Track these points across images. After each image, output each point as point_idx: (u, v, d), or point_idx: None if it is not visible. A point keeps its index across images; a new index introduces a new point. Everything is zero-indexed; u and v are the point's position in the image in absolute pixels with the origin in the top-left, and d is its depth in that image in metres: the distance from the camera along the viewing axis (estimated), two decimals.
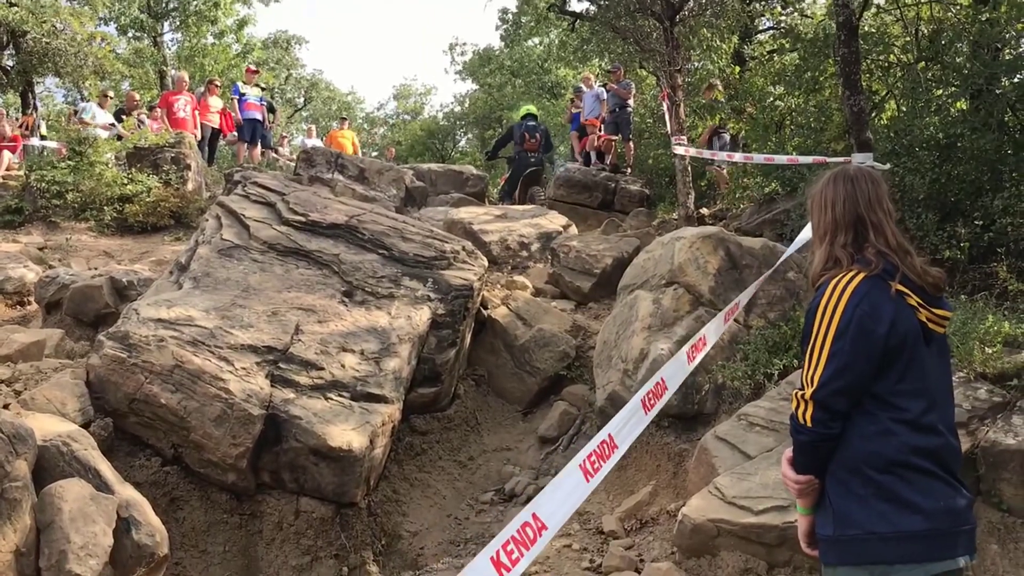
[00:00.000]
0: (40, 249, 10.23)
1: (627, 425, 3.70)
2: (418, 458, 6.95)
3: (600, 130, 15.63)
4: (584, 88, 16.92)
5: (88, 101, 14.67)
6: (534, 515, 3.02)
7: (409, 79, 72.75)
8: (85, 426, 5.48)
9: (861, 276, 2.50)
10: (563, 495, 3.24)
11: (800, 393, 2.52)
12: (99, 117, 14.32)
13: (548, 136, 15.13)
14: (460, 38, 36.41)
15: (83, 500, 4.46)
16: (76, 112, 15.19)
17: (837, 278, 2.53)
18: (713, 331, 4.79)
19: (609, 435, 3.52)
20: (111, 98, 15.93)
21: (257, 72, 17.77)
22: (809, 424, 2.48)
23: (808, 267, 2.80)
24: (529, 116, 14.73)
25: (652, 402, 3.91)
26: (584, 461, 3.35)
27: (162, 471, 5.75)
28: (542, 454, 7.21)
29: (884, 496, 2.42)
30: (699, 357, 4.48)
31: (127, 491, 4.88)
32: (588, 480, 3.34)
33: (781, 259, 6.44)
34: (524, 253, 10.82)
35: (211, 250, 7.39)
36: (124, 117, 14.90)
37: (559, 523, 3.11)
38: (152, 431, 5.79)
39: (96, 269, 9.16)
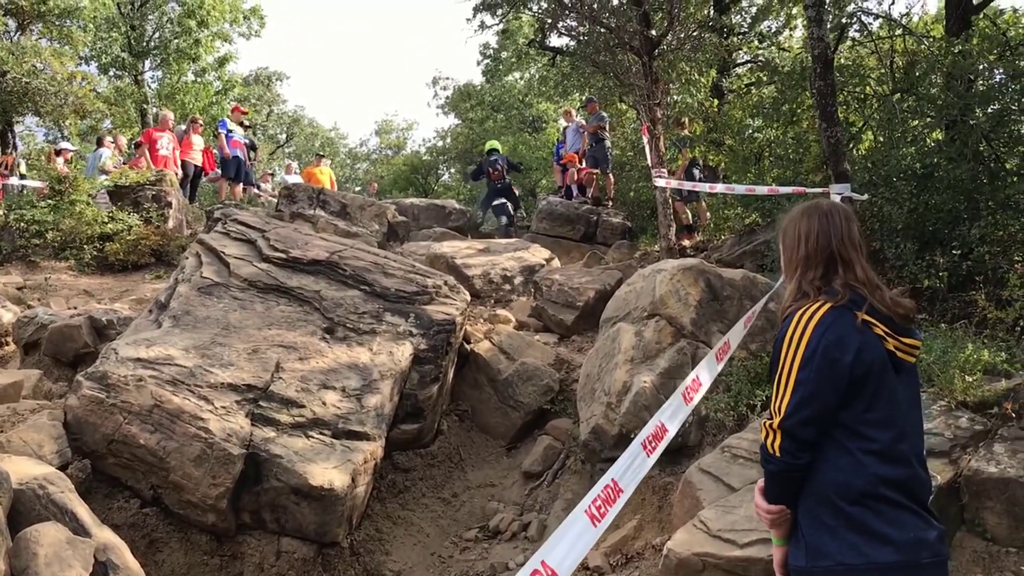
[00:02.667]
0: (19, 289, 10.14)
1: (630, 469, 3.66)
2: (401, 496, 6.88)
3: (581, 163, 15.77)
4: (564, 122, 17.08)
5: (101, 147, 14.61)
6: (543, 563, 2.99)
7: (391, 114, 73.34)
8: (62, 468, 5.40)
9: (827, 306, 2.52)
10: (570, 541, 3.20)
11: (768, 422, 2.53)
12: (108, 160, 14.26)
13: (508, 161, 16.58)
14: (443, 72, 36.54)
15: (59, 544, 4.37)
16: (82, 156, 15.11)
17: (803, 309, 2.56)
18: (707, 372, 4.75)
19: (613, 480, 3.49)
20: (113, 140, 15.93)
21: (245, 112, 17.83)
22: (777, 454, 2.49)
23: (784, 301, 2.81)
24: (491, 151, 16.31)
25: (653, 445, 3.88)
26: (590, 506, 3.32)
27: (141, 513, 5.66)
28: (526, 490, 7.15)
29: (855, 528, 2.42)
30: (697, 397, 4.46)
31: (105, 534, 4.80)
32: (595, 525, 3.30)
33: (765, 298, 6.45)
34: (507, 286, 10.83)
35: (191, 288, 7.34)
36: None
37: (569, 570, 3.07)
38: (131, 472, 5.71)
39: (75, 308, 9.08)
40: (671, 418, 4.13)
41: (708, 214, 13.02)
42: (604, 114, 15.55)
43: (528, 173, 22.39)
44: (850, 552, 2.40)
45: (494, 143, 17.12)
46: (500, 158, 16.14)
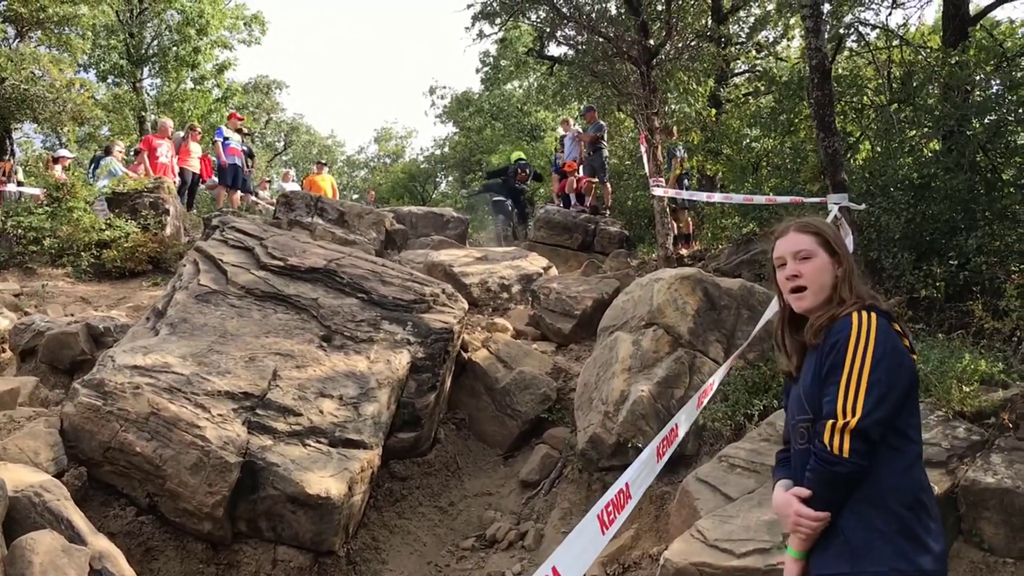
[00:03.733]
0: (16, 296, 10.12)
1: (642, 474, 3.66)
2: (398, 504, 6.87)
3: (579, 172, 15.79)
4: (562, 131, 17.11)
5: (108, 156, 14.55)
6: (554, 569, 2.97)
7: (390, 122, 73.35)
8: (58, 476, 5.40)
9: (875, 313, 2.58)
10: (581, 547, 3.18)
11: (838, 424, 2.47)
12: (117, 168, 14.23)
13: (533, 171, 18.17)
14: (440, 81, 36.59)
15: (55, 552, 4.36)
16: (94, 165, 15.03)
17: (856, 313, 2.58)
18: (685, 419, 4.67)
19: (627, 484, 3.48)
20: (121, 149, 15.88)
21: (242, 119, 17.85)
22: (847, 455, 2.44)
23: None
24: (520, 160, 17.89)
25: (664, 449, 3.88)
26: (602, 512, 3.30)
27: (137, 521, 5.65)
28: (523, 498, 7.14)
29: (905, 533, 2.42)
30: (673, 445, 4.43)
31: (101, 542, 4.79)
32: (604, 532, 3.28)
33: (728, 363, 6.46)
34: (504, 295, 10.83)
35: (188, 296, 7.34)
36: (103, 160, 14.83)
37: None
38: (127, 480, 5.70)
39: (72, 315, 9.07)
40: (684, 423, 4.13)
41: (692, 226, 13.12)
42: (603, 123, 15.57)
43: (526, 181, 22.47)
44: (902, 558, 2.41)
45: (521, 152, 18.91)
46: (528, 165, 17.72)
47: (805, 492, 2.57)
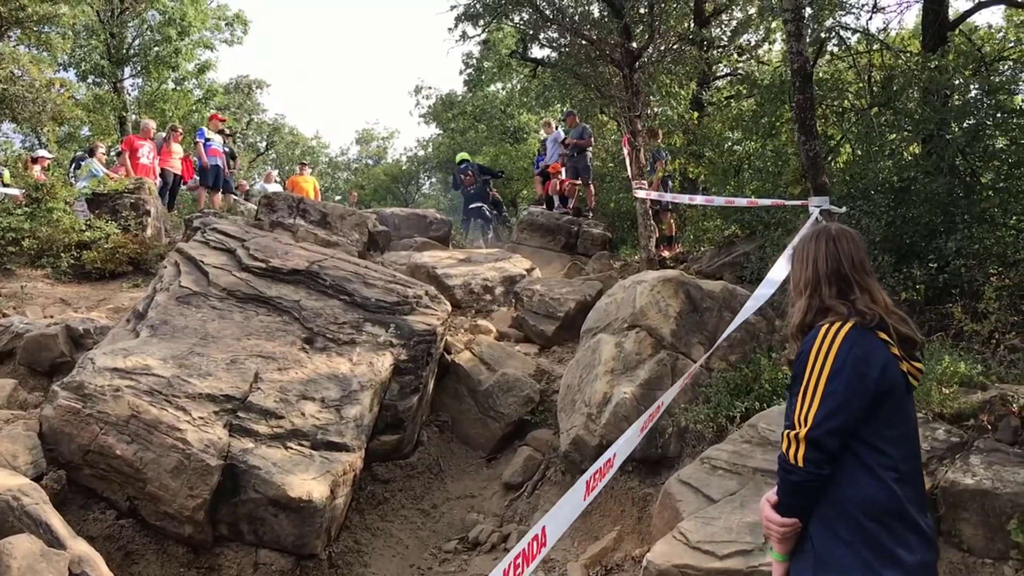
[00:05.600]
0: None
1: (626, 444, 3.79)
2: (380, 507, 6.85)
3: (561, 174, 15.81)
4: (544, 134, 17.13)
5: (89, 157, 14.41)
6: (543, 528, 3.17)
7: (372, 123, 73.22)
8: (37, 479, 5.35)
9: (851, 324, 2.57)
10: (568, 510, 3.38)
11: (792, 433, 2.53)
12: (98, 168, 14.10)
13: (480, 168, 17.61)
14: (425, 81, 36.56)
15: (33, 557, 4.33)
16: (76, 166, 14.88)
17: (828, 324, 2.60)
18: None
19: (613, 455, 3.61)
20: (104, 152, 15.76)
21: (223, 120, 17.76)
22: (801, 464, 2.49)
23: (787, 318, 2.85)
24: (461, 161, 17.42)
25: (647, 424, 4.00)
26: (591, 478, 3.50)
27: (117, 524, 5.62)
28: (506, 501, 7.14)
29: (870, 544, 2.44)
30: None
31: (80, 546, 4.76)
32: (585, 498, 3.46)
33: (682, 380, 6.48)
34: (488, 297, 10.82)
35: (169, 297, 7.30)
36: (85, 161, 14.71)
37: (555, 539, 3.22)
38: (107, 483, 5.66)
39: (52, 317, 8.98)
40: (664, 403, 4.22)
41: (674, 228, 13.21)
42: (586, 125, 15.60)
43: (509, 183, 22.43)
44: (863, 568, 2.43)
45: (463, 154, 18.24)
46: (470, 166, 17.15)
47: (774, 498, 2.63)
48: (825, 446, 2.47)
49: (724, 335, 5.40)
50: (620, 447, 3.81)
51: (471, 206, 17.00)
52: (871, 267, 2.78)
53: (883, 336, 2.58)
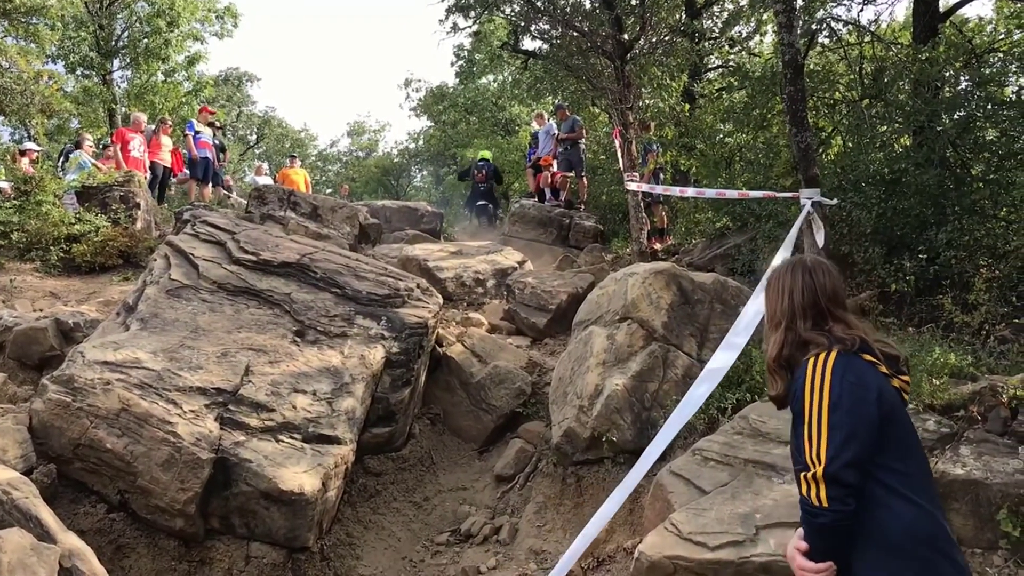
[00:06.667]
0: None
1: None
2: (372, 500, 6.84)
3: (553, 167, 15.80)
4: (536, 125, 17.11)
5: (77, 149, 14.30)
6: None
7: (363, 116, 73.03)
8: (27, 473, 5.32)
9: (835, 352, 2.54)
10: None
11: (808, 474, 2.45)
12: (86, 161, 14.01)
13: (495, 169, 18.18)
14: (416, 74, 36.51)
15: (23, 551, 4.30)
16: (65, 158, 14.78)
17: (813, 357, 2.56)
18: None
19: None
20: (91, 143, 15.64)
21: (213, 112, 17.69)
22: (825, 504, 2.41)
23: (767, 351, 2.82)
24: (483, 159, 18.01)
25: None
26: None
27: (107, 518, 5.60)
28: (498, 493, 7.14)
29: (926, 571, 2.39)
30: None
31: (70, 540, 4.73)
32: None
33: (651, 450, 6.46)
34: (479, 289, 10.81)
35: (159, 290, 7.27)
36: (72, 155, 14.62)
37: None
38: (97, 477, 5.64)
39: (41, 311, 8.94)
40: None
41: (666, 220, 13.23)
42: (576, 117, 15.58)
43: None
44: None
45: (486, 153, 18.90)
46: (487, 165, 17.77)
47: (804, 545, 2.53)
48: (845, 480, 2.39)
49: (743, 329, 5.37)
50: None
51: (479, 203, 17.63)
52: (846, 298, 2.76)
53: (868, 358, 2.55)
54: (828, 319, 2.67)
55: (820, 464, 2.42)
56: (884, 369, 2.55)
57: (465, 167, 19.99)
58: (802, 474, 2.48)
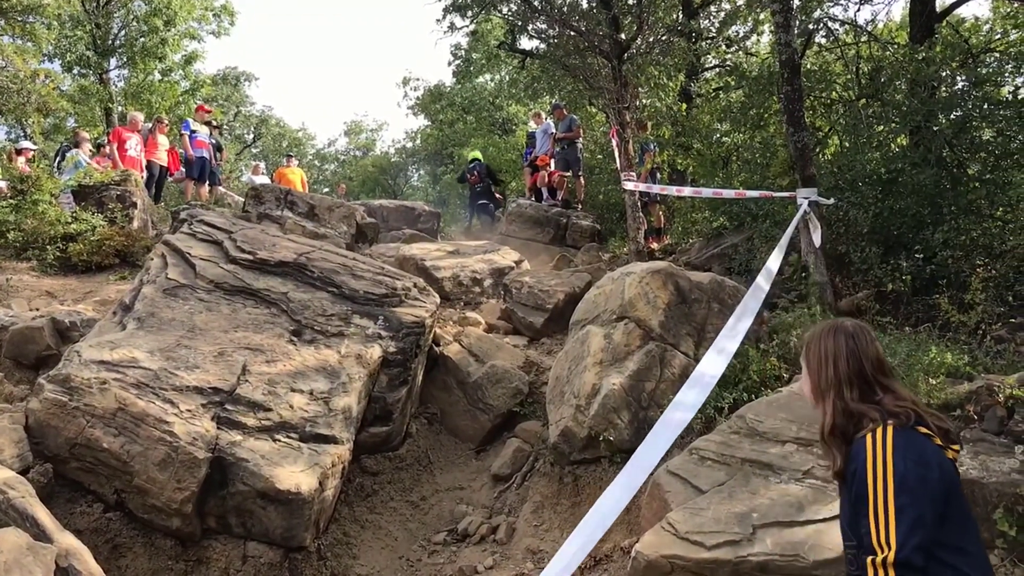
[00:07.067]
0: None
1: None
2: (369, 499, 6.84)
3: (550, 166, 15.80)
4: (534, 125, 17.11)
5: (74, 148, 14.26)
6: None
7: (360, 115, 72.97)
8: (23, 472, 5.31)
9: (891, 427, 2.47)
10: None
11: (878, 559, 2.37)
12: (83, 160, 13.97)
13: (488, 169, 18.25)
14: (414, 72, 36.44)
15: (19, 550, 4.29)
16: (61, 157, 14.75)
17: (870, 434, 2.49)
18: None
19: None
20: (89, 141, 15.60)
21: (210, 111, 17.68)
22: None
23: (821, 422, 2.71)
24: (473, 160, 18.14)
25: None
26: None
27: (104, 517, 5.58)
28: (495, 492, 7.14)
29: None
30: None
31: (67, 539, 4.72)
32: None
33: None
34: (477, 289, 10.80)
35: (156, 290, 7.25)
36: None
37: None
38: (94, 476, 5.63)
39: (37, 310, 8.92)
40: None
41: (663, 220, 13.25)
42: (574, 116, 15.59)
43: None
44: None
45: (476, 153, 19.04)
46: (479, 165, 17.75)
47: None
48: (915, 564, 2.33)
49: (735, 334, 5.35)
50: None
51: (479, 203, 17.73)
52: (889, 365, 2.68)
53: (924, 431, 2.47)
54: (876, 389, 2.60)
55: (890, 549, 2.35)
56: (939, 441, 2.49)
57: (460, 171, 20.32)
58: (870, 559, 2.39)
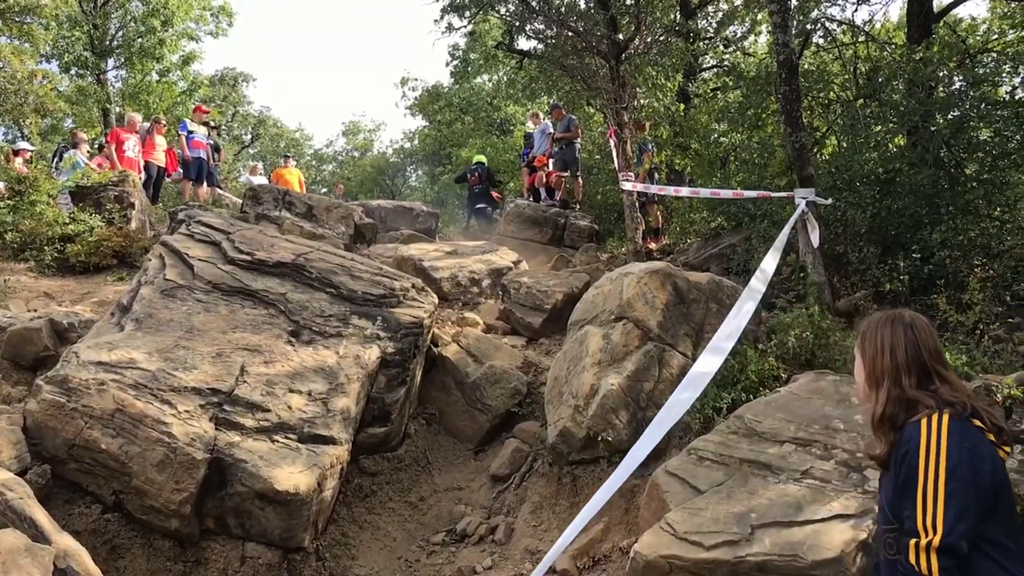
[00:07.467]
0: None
1: None
2: (368, 500, 6.84)
3: (548, 166, 15.80)
4: (532, 125, 17.11)
5: (71, 149, 14.24)
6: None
7: (358, 115, 72.94)
8: (21, 474, 5.30)
9: (947, 415, 2.46)
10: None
11: (921, 542, 2.37)
12: (81, 160, 13.97)
13: (488, 171, 18.64)
14: (412, 73, 36.51)
15: (17, 551, 4.28)
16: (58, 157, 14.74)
17: (926, 419, 2.48)
18: None
19: None
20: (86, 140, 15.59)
21: (207, 112, 17.67)
22: (936, 574, 2.33)
23: (872, 409, 2.70)
24: (477, 163, 18.53)
25: None
26: None
27: (102, 518, 5.58)
28: (494, 493, 7.13)
29: None
30: None
31: (65, 540, 4.71)
32: None
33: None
34: (475, 289, 10.80)
35: (154, 291, 7.25)
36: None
37: None
38: (92, 477, 5.62)
39: (35, 311, 8.92)
40: None
41: (661, 220, 13.26)
42: (572, 116, 15.59)
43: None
44: None
45: (481, 157, 19.46)
46: (481, 168, 18.24)
47: None
48: (960, 552, 2.33)
49: (728, 335, 5.37)
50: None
51: (477, 205, 18.03)
52: (945, 356, 2.69)
53: (979, 424, 2.47)
54: (933, 378, 2.60)
55: (935, 533, 2.34)
56: (992, 438, 2.48)
57: (461, 171, 20.34)
58: (912, 542, 2.39)
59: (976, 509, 2.35)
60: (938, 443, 2.41)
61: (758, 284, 5.85)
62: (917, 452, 2.43)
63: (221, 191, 17.95)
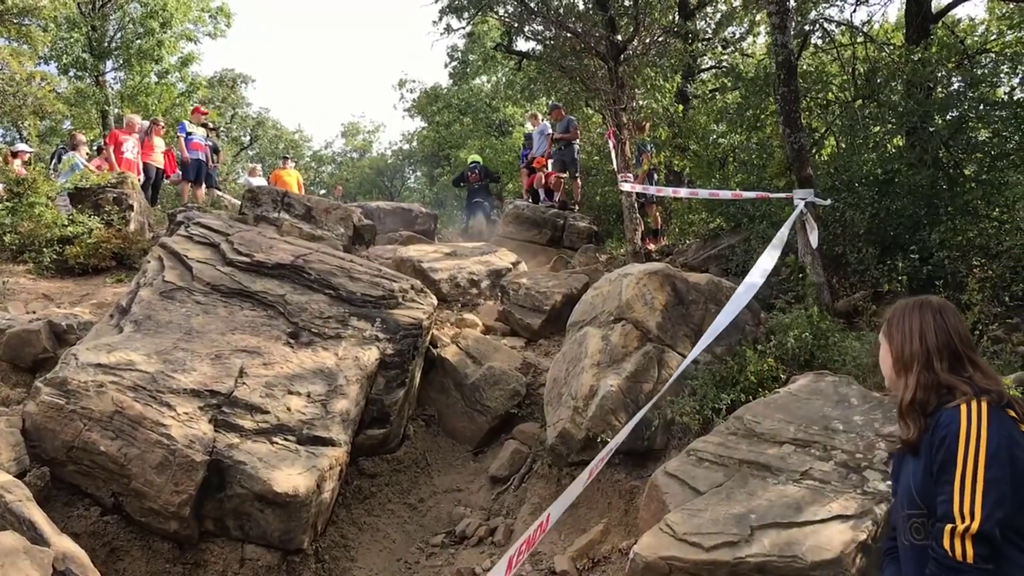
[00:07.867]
0: None
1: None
2: (367, 501, 6.83)
3: (547, 167, 15.81)
4: (531, 126, 17.11)
5: (70, 150, 14.22)
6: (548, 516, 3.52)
7: (357, 116, 72.94)
8: (20, 476, 5.30)
9: (985, 403, 2.43)
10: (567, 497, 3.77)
11: (957, 528, 2.34)
12: (79, 162, 13.96)
13: (485, 169, 18.97)
14: (410, 74, 36.54)
15: (16, 554, 4.28)
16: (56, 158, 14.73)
17: (965, 404, 2.45)
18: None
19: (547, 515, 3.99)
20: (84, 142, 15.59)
21: (206, 113, 17.66)
22: (971, 561, 2.30)
23: (900, 395, 2.67)
24: (474, 162, 18.76)
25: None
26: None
27: (101, 521, 5.57)
28: (493, 494, 7.13)
29: None
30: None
31: (64, 543, 4.71)
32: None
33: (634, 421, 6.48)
34: (474, 290, 10.80)
35: (153, 292, 7.25)
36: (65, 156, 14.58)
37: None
38: (91, 480, 5.62)
39: (34, 313, 8.91)
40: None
41: (660, 221, 13.26)
42: (571, 117, 15.59)
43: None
44: None
45: (476, 156, 19.82)
46: (477, 166, 18.47)
47: None
48: (995, 539, 2.30)
49: (714, 330, 5.40)
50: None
51: (474, 200, 18.21)
52: (973, 342, 2.65)
53: (1012, 414, 2.44)
54: (965, 364, 2.57)
55: (973, 519, 2.31)
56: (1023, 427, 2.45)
57: (459, 173, 20.53)
58: (948, 527, 2.36)
59: (1013, 498, 2.33)
60: (978, 430, 2.37)
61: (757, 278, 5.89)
62: (957, 437, 2.39)
63: (220, 193, 17.95)
